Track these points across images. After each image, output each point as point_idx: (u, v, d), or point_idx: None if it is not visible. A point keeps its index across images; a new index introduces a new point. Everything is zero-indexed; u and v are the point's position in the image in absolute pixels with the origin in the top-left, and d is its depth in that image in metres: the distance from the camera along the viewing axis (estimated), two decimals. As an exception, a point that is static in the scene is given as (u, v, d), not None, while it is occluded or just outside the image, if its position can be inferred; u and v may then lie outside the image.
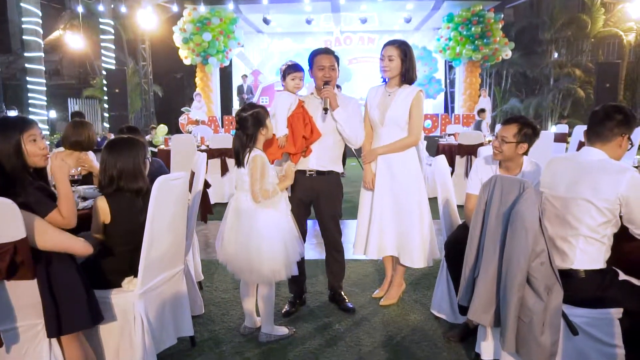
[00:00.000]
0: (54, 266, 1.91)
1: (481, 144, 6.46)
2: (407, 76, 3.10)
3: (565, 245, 2.14)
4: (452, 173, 6.70)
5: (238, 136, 2.68)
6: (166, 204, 2.33)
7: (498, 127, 9.00)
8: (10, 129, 2.03)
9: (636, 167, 3.25)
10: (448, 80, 16.19)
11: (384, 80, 3.20)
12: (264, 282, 2.73)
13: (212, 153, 6.73)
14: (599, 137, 2.15)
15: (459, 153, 6.74)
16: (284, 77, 3.05)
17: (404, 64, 3.07)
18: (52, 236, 1.89)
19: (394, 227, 3.15)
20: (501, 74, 18.09)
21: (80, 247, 1.96)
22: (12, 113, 14.77)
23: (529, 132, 2.63)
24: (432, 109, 15.53)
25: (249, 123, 2.65)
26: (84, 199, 2.85)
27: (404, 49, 3.07)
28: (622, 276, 2.16)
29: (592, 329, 2.09)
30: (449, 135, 8.38)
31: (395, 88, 3.13)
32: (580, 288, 2.11)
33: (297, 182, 2.94)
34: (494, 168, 2.80)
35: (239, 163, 2.67)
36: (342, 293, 3.30)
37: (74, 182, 2.88)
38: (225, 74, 15.96)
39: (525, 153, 2.70)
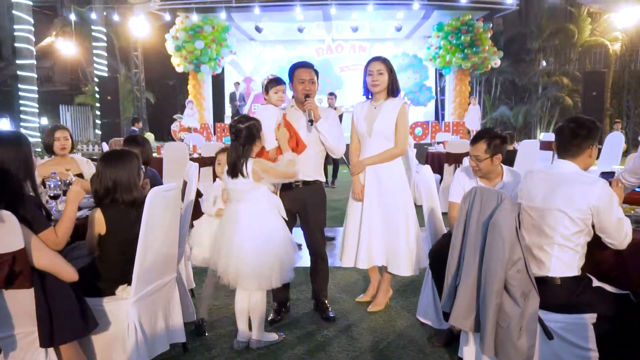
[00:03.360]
0: (48, 276, 1.98)
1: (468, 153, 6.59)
2: (393, 88, 3.22)
3: (542, 254, 2.25)
4: (441, 181, 6.82)
5: (235, 147, 2.73)
6: (159, 215, 2.41)
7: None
8: (19, 141, 2.12)
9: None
10: (438, 88, 16.37)
11: (368, 96, 3.31)
12: (265, 288, 2.78)
13: (204, 161, 6.80)
14: (569, 153, 2.27)
15: (447, 161, 6.86)
16: (266, 90, 3.14)
17: (390, 77, 3.19)
18: (46, 255, 1.96)
19: (382, 237, 3.24)
20: (491, 81, 18.31)
21: (68, 272, 2.02)
22: (4, 121, 14.73)
23: (497, 143, 2.75)
24: (423, 116, 15.68)
25: (247, 134, 2.72)
26: (79, 208, 2.91)
27: (389, 64, 3.21)
28: (596, 283, 2.27)
29: (567, 333, 2.19)
30: (438, 143, 8.51)
31: (382, 101, 3.24)
32: (556, 294, 2.22)
33: (284, 194, 3.02)
34: (472, 178, 2.93)
35: (235, 174, 2.71)
36: (326, 302, 3.37)
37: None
38: (218, 82, 16.02)
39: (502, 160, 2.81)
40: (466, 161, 3.22)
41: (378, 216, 3.24)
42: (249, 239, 2.67)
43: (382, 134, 3.21)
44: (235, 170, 2.71)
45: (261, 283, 2.73)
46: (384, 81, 3.19)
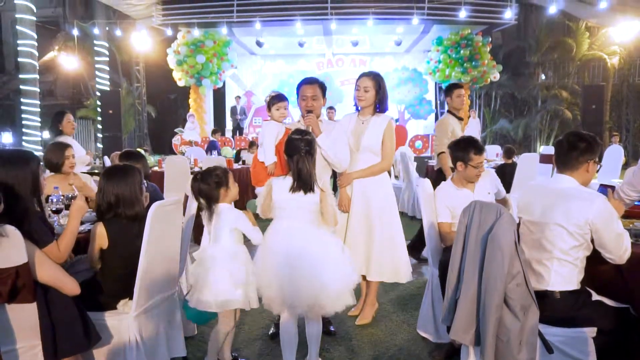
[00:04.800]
0: (51, 290, 2.00)
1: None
2: (380, 107, 3.28)
3: (541, 268, 2.26)
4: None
5: (307, 160, 2.60)
6: (161, 229, 2.42)
7: (488, 147, 9.08)
8: (29, 159, 2.16)
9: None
10: (438, 102, 16.44)
11: (357, 109, 3.36)
12: (329, 312, 2.63)
13: (205, 175, 6.81)
14: (567, 166, 2.29)
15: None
16: (269, 107, 3.19)
17: (377, 95, 3.24)
18: (49, 269, 1.98)
19: (364, 248, 3.29)
20: (490, 95, 18.38)
21: (70, 286, 2.04)
22: (6, 135, 14.80)
23: None
24: (423, 129, 15.74)
25: (314, 147, 2.64)
26: (81, 222, 2.93)
27: (378, 81, 3.24)
28: (595, 296, 2.28)
29: (567, 347, 2.19)
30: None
31: (369, 117, 3.30)
32: (556, 308, 2.22)
33: None
34: (453, 189, 3.11)
35: (308, 189, 2.58)
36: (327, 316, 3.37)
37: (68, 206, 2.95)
38: (219, 95, 16.12)
39: None
40: (444, 183, 3.28)
41: (362, 229, 3.29)
42: (313, 262, 2.51)
43: (369, 149, 3.27)
44: (307, 185, 2.59)
45: (326, 307, 2.55)
46: (369, 98, 3.25)
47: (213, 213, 2.62)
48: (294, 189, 2.59)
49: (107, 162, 8.10)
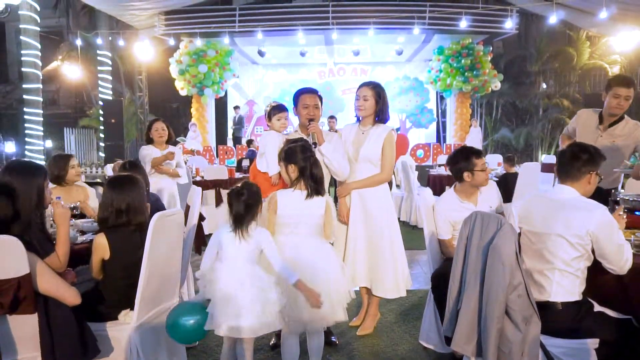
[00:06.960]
0: (50, 301, 2.00)
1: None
2: (380, 116, 3.27)
3: (542, 278, 2.26)
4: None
5: (317, 164, 2.64)
6: (163, 239, 2.42)
7: (489, 157, 9.08)
8: (35, 174, 2.20)
9: (616, 201, 3.36)
10: (439, 110, 16.49)
11: (358, 119, 3.37)
12: (320, 327, 2.59)
13: (206, 184, 6.83)
14: (569, 177, 2.30)
15: (448, 184, 6.88)
16: (269, 117, 3.20)
17: (377, 105, 3.24)
18: (50, 280, 1.99)
19: (366, 259, 3.28)
20: (492, 104, 18.40)
21: (71, 296, 2.04)
22: (9, 144, 14.84)
23: None
24: (424, 138, 15.78)
25: (313, 151, 2.69)
26: (82, 232, 2.95)
27: (378, 91, 3.24)
28: (597, 307, 2.28)
29: (569, 358, 2.18)
30: (440, 165, 8.55)
31: (369, 127, 3.30)
32: (558, 319, 2.22)
33: None
34: (456, 202, 3.04)
35: (322, 191, 2.59)
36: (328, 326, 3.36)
37: (72, 216, 2.97)
38: (221, 104, 16.18)
39: None
40: (446, 193, 3.25)
41: (362, 239, 3.28)
42: (320, 274, 2.47)
43: (368, 159, 3.27)
44: (322, 187, 2.59)
45: (327, 319, 2.53)
46: (368, 107, 3.24)
47: (246, 232, 2.38)
48: (310, 195, 2.56)
49: (108, 170, 8.11)
